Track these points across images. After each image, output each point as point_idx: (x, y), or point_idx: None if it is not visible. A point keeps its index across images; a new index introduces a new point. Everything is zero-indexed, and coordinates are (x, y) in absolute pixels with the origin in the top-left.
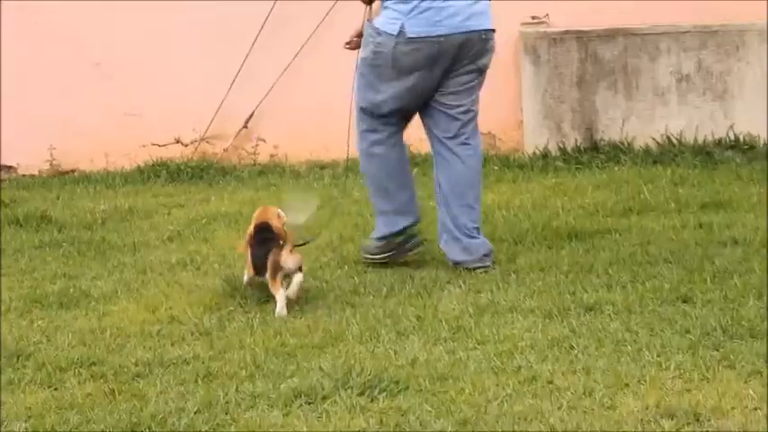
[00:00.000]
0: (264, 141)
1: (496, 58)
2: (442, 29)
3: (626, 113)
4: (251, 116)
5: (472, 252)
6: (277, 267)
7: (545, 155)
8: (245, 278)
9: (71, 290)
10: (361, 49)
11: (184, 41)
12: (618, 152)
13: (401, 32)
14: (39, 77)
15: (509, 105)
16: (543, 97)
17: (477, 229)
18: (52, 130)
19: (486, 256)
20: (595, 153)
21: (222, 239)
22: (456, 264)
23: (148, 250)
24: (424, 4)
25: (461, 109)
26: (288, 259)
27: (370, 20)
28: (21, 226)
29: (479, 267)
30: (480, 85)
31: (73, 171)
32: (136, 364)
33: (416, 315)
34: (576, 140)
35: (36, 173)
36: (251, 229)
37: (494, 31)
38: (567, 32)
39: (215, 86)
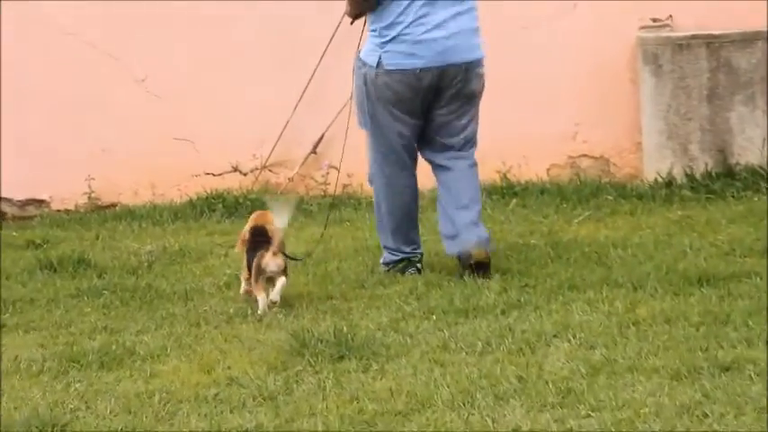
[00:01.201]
0: (336, 169)
1: (609, 68)
2: (418, 61)
3: (766, 133)
4: (320, 140)
5: (464, 242)
6: (259, 270)
7: (669, 182)
8: (243, 286)
9: (113, 346)
10: (354, 80)
11: (244, 55)
12: (757, 179)
13: (379, 64)
14: (74, 95)
15: (625, 124)
16: (666, 114)
17: (475, 224)
18: (90, 157)
19: (481, 243)
20: (730, 180)
21: (288, 286)
22: (455, 256)
23: (202, 299)
24: (399, 37)
25: (454, 137)
26: (270, 262)
27: (359, 50)
28: (55, 271)
29: (477, 252)
30: (473, 110)
31: (114, 205)
32: None
33: (518, 375)
34: (706, 165)
35: (72, 207)
36: (245, 231)
37: (480, 59)
38: (694, 37)
39: (279, 106)
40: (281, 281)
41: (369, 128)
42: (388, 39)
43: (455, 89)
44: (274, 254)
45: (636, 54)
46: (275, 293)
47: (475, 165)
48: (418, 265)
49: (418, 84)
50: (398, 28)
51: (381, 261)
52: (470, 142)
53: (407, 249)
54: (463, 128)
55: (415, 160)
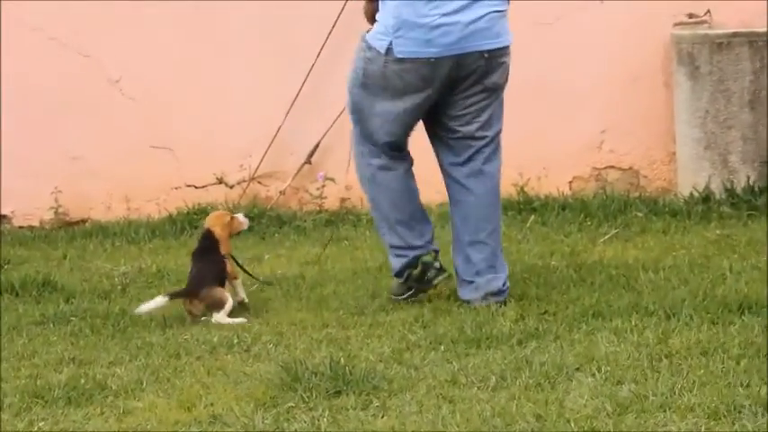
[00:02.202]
0: (333, 181)
1: (640, 69)
2: (433, 49)
3: None
4: (315, 149)
5: (479, 288)
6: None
7: (706, 197)
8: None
9: (82, 380)
10: (353, 62)
11: (231, 55)
12: None
13: (389, 50)
14: (39, 96)
15: (657, 132)
16: (704, 121)
17: (493, 267)
18: (57, 166)
19: (492, 294)
20: None
21: (279, 312)
22: (464, 301)
23: (183, 327)
24: (413, 21)
25: (470, 133)
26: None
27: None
28: (17, 295)
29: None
30: (495, 104)
31: (84, 221)
32: None
33: (536, 413)
34: (747, 178)
35: (36, 223)
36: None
37: (504, 48)
38: (735, 35)
39: (269, 111)
40: (237, 282)
41: (358, 116)
42: (400, 22)
43: (474, 80)
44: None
45: (670, 54)
46: (241, 295)
47: (498, 184)
48: (437, 264)
49: (431, 73)
50: (413, 10)
51: (393, 274)
52: (492, 145)
53: (419, 243)
54: (483, 125)
55: (407, 142)
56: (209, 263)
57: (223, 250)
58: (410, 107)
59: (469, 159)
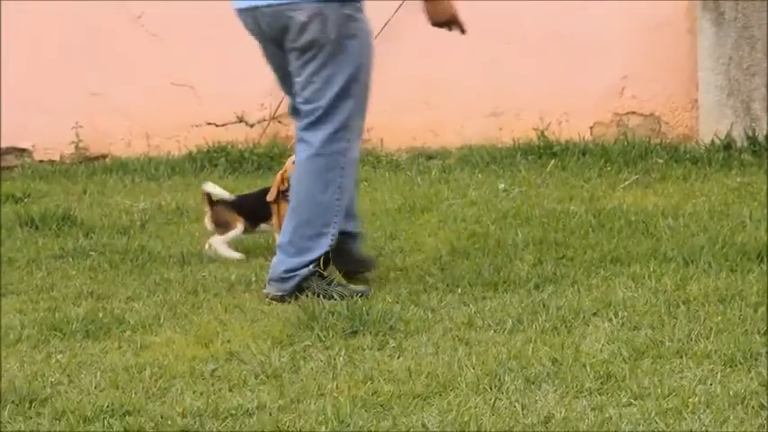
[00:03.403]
0: None
1: (663, 15)
2: (234, 2)
3: None
4: None
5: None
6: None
7: (728, 145)
8: None
9: (100, 314)
10: None
11: None
12: None
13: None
14: (60, 33)
15: (679, 79)
16: (727, 68)
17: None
18: (78, 102)
19: (275, 281)
20: None
21: None
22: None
23: (201, 264)
24: None
25: (302, 99)
26: None
27: None
28: (36, 228)
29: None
30: (315, 69)
31: (104, 156)
32: (183, 415)
33: (551, 357)
34: None
35: (57, 158)
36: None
37: (284, 3)
38: None
39: None
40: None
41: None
42: None
43: (283, 39)
44: None
45: (693, 1)
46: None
47: (315, 157)
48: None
49: (246, 28)
50: None
51: (321, 265)
52: (312, 115)
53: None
54: (308, 93)
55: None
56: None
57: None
58: (268, 62)
59: (301, 127)
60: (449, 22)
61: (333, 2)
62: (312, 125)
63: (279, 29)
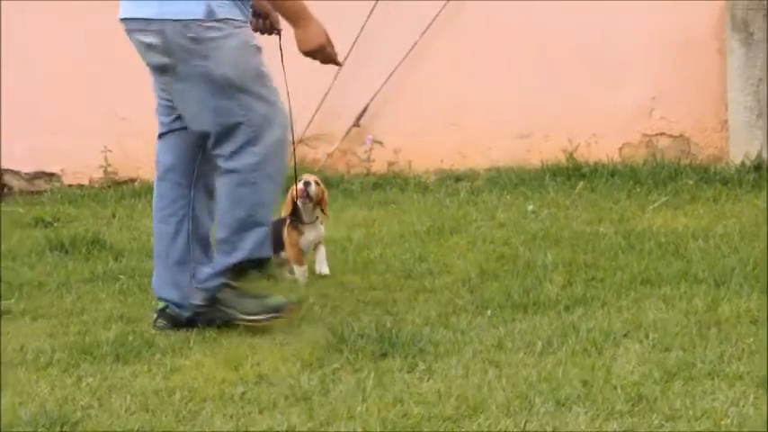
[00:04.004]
0: (381, 144)
1: (692, 35)
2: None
3: None
4: (363, 112)
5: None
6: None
7: (758, 166)
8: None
9: (130, 337)
10: None
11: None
12: None
13: None
14: (88, 55)
15: (709, 100)
16: (757, 89)
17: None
18: (106, 126)
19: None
20: None
21: (325, 278)
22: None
23: None
24: None
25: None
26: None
27: None
28: (66, 252)
29: None
30: (179, 94)
31: (133, 180)
32: None
33: (582, 379)
34: None
35: (86, 182)
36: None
37: (136, 20)
38: None
39: (317, 74)
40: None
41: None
42: None
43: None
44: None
45: (723, 19)
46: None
47: (227, 174)
48: None
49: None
50: None
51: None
52: (212, 138)
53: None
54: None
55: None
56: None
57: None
58: None
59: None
60: (319, 50)
61: (172, 20)
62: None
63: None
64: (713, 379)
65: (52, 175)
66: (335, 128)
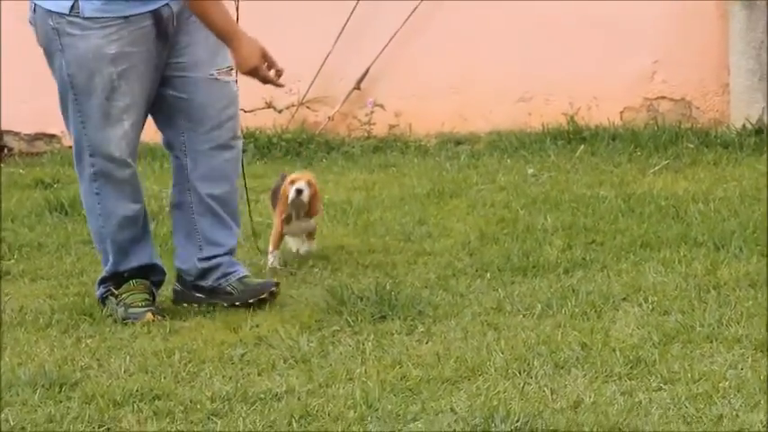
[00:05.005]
0: (382, 108)
1: (694, 1)
2: None
3: None
4: (365, 75)
5: None
6: None
7: (759, 130)
8: None
9: None
10: None
11: None
12: None
13: None
14: None
15: (710, 63)
16: (759, 52)
17: None
18: None
19: None
20: None
21: (326, 237)
22: None
23: None
24: None
25: None
26: None
27: None
28: (66, 214)
29: None
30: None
31: None
32: (212, 399)
33: (581, 342)
34: None
35: None
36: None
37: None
38: None
39: (319, 37)
40: None
41: None
42: None
43: None
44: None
45: None
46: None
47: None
48: None
49: None
50: None
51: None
52: None
53: None
54: None
55: None
56: None
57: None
58: None
59: None
60: (252, 72)
61: (41, 7)
62: None
63: None
64: (712, 342)
65: (52, 136)
66: (336, 91)
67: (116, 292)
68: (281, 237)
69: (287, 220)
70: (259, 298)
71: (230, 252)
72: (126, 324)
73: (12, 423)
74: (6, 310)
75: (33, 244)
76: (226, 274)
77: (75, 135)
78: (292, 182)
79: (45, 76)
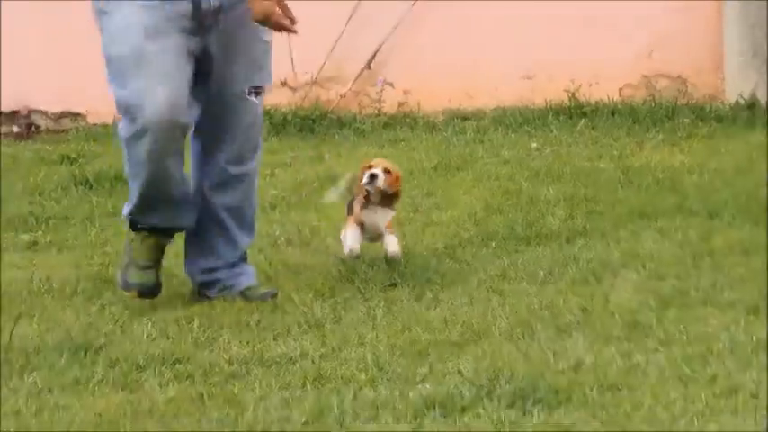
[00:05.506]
0: (392, 86)
1: None
2: None
3: None
4: (375, 54)
5: None
6: None
7: (752, 104)
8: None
9: None
10: None
11: None
12: None
13: None
14: None
15: (705, 41)
16: (752, 30)
17: None
18: None
19: None
20: None
21: (338, 209)
22: None
23: None
24: None
25: None
26: None
27: None
28: (90, 188)
29: None
30: None
31: None
32: (230, 363)
33: (581, 307)
34: None
35: (109, 121)
36: None
37: None
38: None
39: (330, 17)
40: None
41: None
42: None
43: None
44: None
45: None
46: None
47: None
48: None
49: None
50: None
51: None
52: None
53: None
54: None
55: None
56: None
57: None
58: None
59: None
60: (265, 19)
61: None
62: None
63: None
64: (706, 306)
65: (78, 114)
66: (348, 70)
67: (132, 237)
68: (358, 221)
69: (363, 206)
70: None
71: (232, 264)
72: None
73: (40, 385)
74: (35, 279)
75: (60, 216)
76: (226, 288)
77: (117, 101)
78: (369, 167)
79: (70, 58)
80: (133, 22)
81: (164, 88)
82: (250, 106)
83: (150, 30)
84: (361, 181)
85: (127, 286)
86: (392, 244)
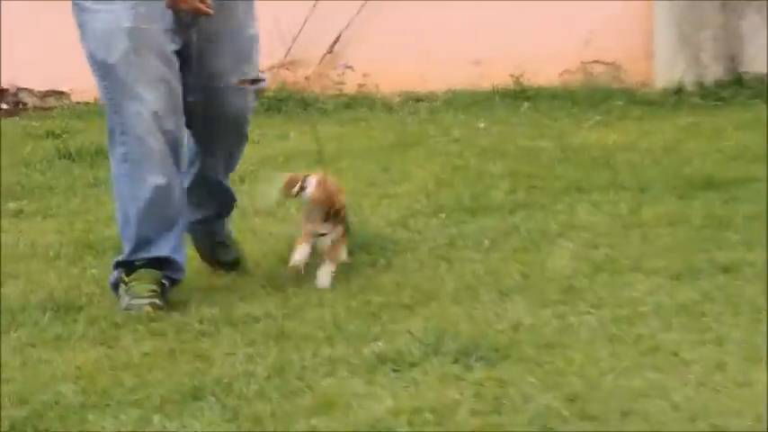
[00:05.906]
0: (352, 69)
1: None
2: None
3: None
4: (337, 39)
5: None
6: None
7: (679, 90)
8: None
9: None
10: None
11: None
12: (766, 87)
13: None
14: None
15: (637, 31)
16: (679, 21)
17: None
18: None
19: None
20: (739, 88)
21: None
22: None
23: None
24: None
25: None
26: None
27: None
28: (73, 161)
29: None
30: None
31: None
32: (200, 322)
33: (522, 272)
34: (716, 73)
35: (91, 100)
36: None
37: None
38: None
39: (295, 3)
40: None
41: None
42: None
43: None
44: None
45: None
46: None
47: None
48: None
49: None
50: None
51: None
52: None
53: None
54: None
55: None
56: None
57: None
58: None
59: None
60: (175, 3)
61: None
62: None
63: None
64: (635, 272)
65: (62, 93)
66: (312, 54)
67: (126, 279)
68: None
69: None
70: None
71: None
72: (129, 311)
73: (24, 341)
74: (20, 243)
75: (45, 186)
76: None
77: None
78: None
79: (55, 40)
80: (116, 28)
81: (153, 96)
82: (240, 94)
83: (134, 33)
84: (291, 189)
85: (138, 307)
86: (322, 276)
